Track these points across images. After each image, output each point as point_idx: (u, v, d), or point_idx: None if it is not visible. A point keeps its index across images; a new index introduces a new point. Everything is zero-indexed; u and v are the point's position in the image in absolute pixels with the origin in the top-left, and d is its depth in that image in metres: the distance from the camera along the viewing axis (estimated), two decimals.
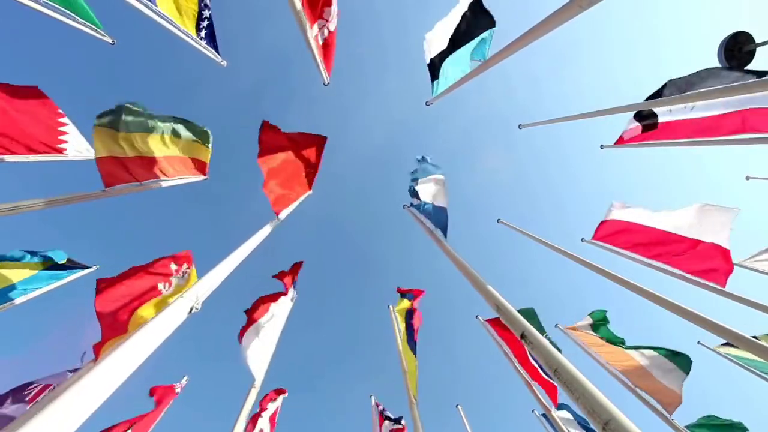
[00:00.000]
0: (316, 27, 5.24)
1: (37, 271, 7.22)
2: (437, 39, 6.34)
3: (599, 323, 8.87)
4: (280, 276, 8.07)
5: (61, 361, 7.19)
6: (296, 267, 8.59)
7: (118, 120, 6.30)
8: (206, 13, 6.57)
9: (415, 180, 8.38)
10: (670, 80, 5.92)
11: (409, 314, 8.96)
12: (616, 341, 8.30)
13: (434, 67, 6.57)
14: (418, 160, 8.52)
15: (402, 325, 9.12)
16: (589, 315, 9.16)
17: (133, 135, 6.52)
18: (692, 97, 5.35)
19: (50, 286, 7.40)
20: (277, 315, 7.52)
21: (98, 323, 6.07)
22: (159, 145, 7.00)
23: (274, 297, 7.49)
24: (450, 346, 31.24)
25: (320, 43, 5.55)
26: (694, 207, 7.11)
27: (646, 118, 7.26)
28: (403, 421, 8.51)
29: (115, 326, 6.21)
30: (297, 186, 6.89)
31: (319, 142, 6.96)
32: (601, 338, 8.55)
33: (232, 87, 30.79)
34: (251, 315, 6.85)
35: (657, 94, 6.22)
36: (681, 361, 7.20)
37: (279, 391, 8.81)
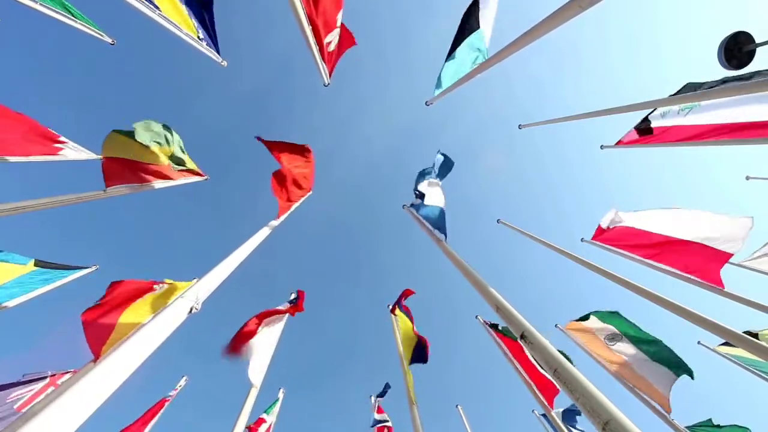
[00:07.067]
0: (331, 35, 5.34)
1: (31, 270, 7.18)
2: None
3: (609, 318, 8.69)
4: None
5: (59, 363, 7.13)
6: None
7: (138, 131, 6.58)
8: (201, 33, 6.60)
9: (422, 178, 8.34)
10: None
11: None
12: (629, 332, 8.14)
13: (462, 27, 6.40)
14: (443, 155, 8.37)
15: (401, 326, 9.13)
16: (594, 314, 8.99)
17: (149, 145, 6.70)
18: (692, 98, 5.35)
19: (48, 287, 7.39)
20: (274, 324, 7.51)
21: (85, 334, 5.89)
22: (165, 157, 7.14)
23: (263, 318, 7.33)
24: (450, 346, 31.23)
25: (330, 50, 5.61)
26: (703, 213, 6.95)
27: (641, 124, 7.28)
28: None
29: (101, 331, 6.06)
30: (296, 189, 7.06)
31: (307, 150, 7.49)
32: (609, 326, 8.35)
33: (233, 88, 30.84)
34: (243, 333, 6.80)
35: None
36: (673, 364, 7.11)
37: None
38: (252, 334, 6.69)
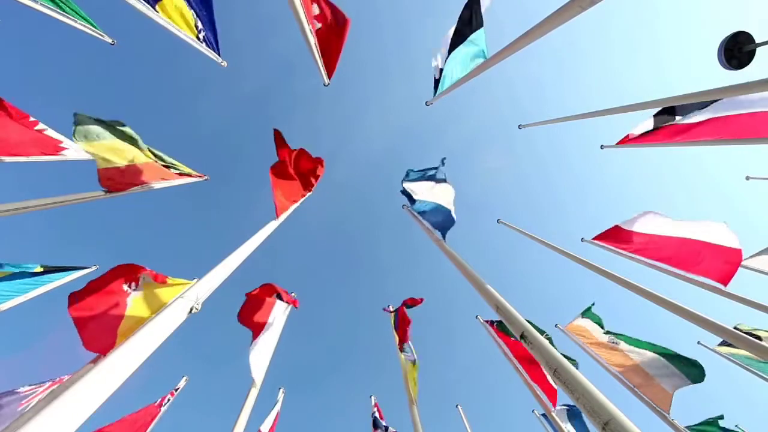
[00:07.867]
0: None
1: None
2: (445, 45, 6.38)
3: (591, 315, 9.01)
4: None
5: (58, 365, 7.10)
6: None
7: (91, 131, 6.25)
8: (201, 26, 6.52)
9: (408, 179, 8.43)
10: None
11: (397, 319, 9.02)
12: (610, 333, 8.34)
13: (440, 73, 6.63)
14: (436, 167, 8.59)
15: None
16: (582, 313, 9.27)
17: (118, 143, 6.48)
18: (692, 97, 5.35)
19: (47, 287, 7.38)
20: (276, 319, 7.57)
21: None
22: (146, 155, 7.02)
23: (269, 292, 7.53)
24: (450, 346, 31.24)
25: (317, 27, 5.50)
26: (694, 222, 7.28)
27: (663, 120, 7.20)
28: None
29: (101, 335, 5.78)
30: (297, 190, 7.07)
31: (320, 162, 7.58)
32: (600, 328, 8.62)
33: (234, 89, 30.84)
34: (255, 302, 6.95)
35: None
36: (692, 372, 7.03)
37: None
38: (263, 320, 6.83)
